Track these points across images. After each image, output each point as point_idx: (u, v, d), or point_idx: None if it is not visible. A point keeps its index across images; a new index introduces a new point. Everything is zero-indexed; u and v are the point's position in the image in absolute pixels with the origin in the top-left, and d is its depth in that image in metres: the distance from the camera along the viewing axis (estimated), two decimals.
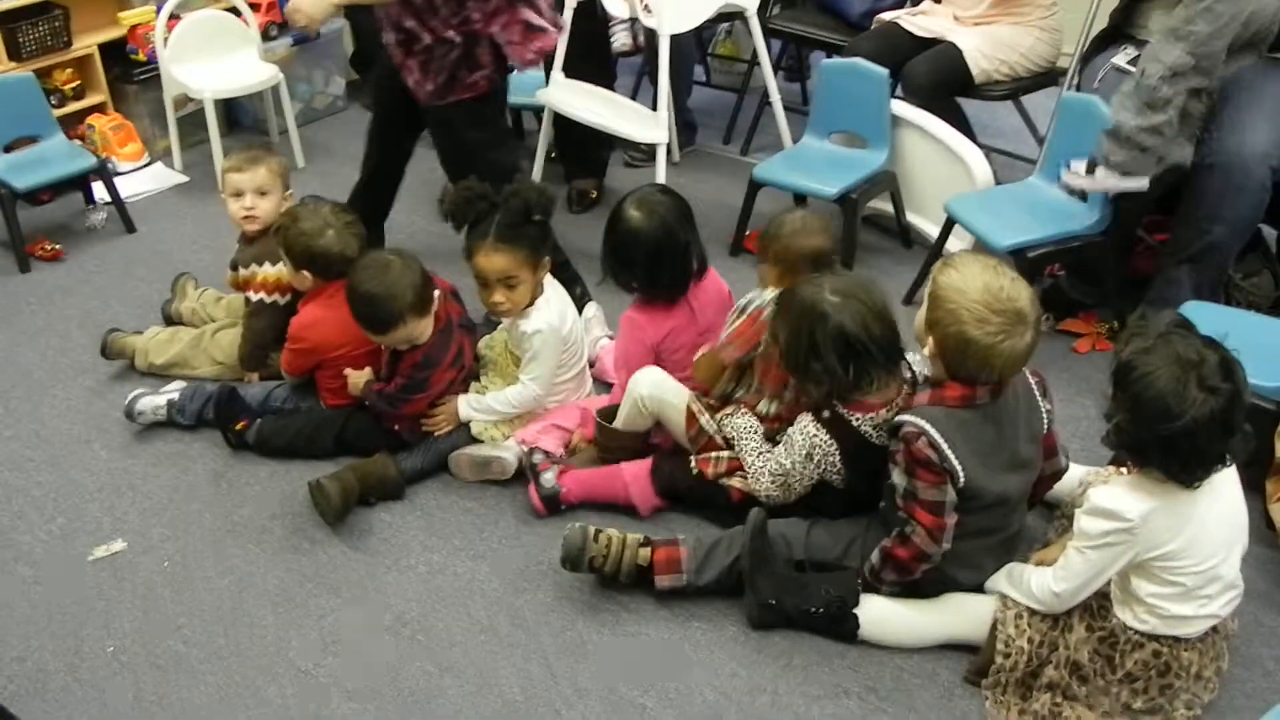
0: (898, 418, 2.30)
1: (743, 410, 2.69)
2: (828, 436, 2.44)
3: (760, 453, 2.59)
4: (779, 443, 2.57)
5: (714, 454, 2.69)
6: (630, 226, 2.77)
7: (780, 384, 2.63)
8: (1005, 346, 2.18)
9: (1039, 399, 2.40)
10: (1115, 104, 3.04)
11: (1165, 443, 2.02)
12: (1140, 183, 3.07)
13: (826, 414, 2.45)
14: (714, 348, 2.75)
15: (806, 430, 2.46)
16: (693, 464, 2.71)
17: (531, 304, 2.87)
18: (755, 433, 2.64)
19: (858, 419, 2.42)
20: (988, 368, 2.21)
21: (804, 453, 2.47)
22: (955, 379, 2.26)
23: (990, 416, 2.28)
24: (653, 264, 2.78)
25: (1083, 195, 3.25)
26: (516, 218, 2.79)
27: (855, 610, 2.39)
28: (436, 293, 2.86)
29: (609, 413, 2.86)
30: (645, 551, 2.52)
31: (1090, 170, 3.11)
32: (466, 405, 2.94)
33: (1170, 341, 2.04)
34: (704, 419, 2.70)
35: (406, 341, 2.84)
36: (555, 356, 2.90)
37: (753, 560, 2.43)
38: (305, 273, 3.00)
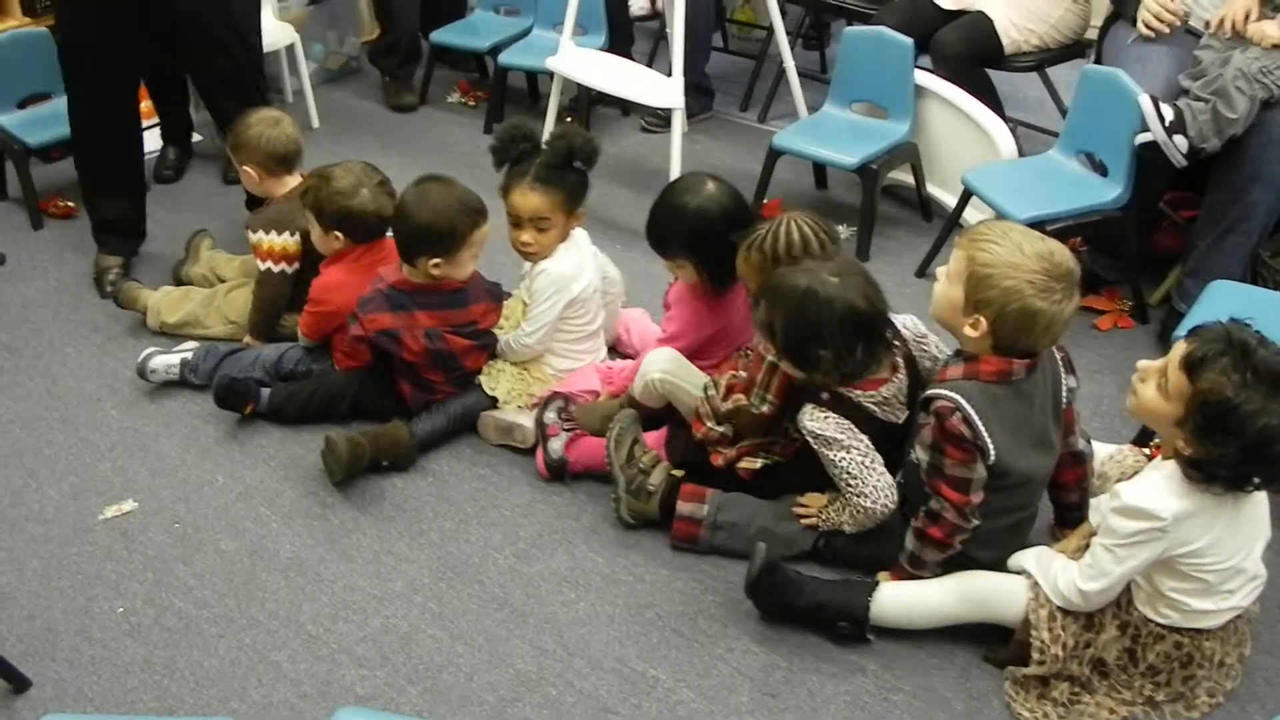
0: (929, 391, 2.26)
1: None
2: (835, 414, 2.37)
3: (831, 510, 2.48)
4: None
5: (723, 449, 2.63)
6: (715, 206, 2.69)
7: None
8: (1067, 311, 2.14)
9: (1063, 375, 2.36)
10: (1235, 99, 2.95)
11: (1273, 465, 1.97)
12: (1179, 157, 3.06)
13: (825, 395, 2.38)
14: (746, 397, 2.56)
15: (815, 417, 2.37)
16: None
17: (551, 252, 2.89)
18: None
19: (857, 395, 2.37)
20: (1049, 336, 2.17)
21: (837, 435, 2.35)
22: (1005, 353, 2.20)
23: (1023, 393, 2.24)
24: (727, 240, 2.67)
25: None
26: (558, 160, 2.81)
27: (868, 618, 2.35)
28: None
29: None
30: (679, 473, 2.59)
31: (1173, 131, 3.01)
32: None
33: (1257, 361, 1.95)
34: (710, 423, 2.62)
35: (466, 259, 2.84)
36: (557, 307, 2.87)
37: (759, 599, 2.41)
38: (337, 234, 2.97)
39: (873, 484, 2.36)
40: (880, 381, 2.38)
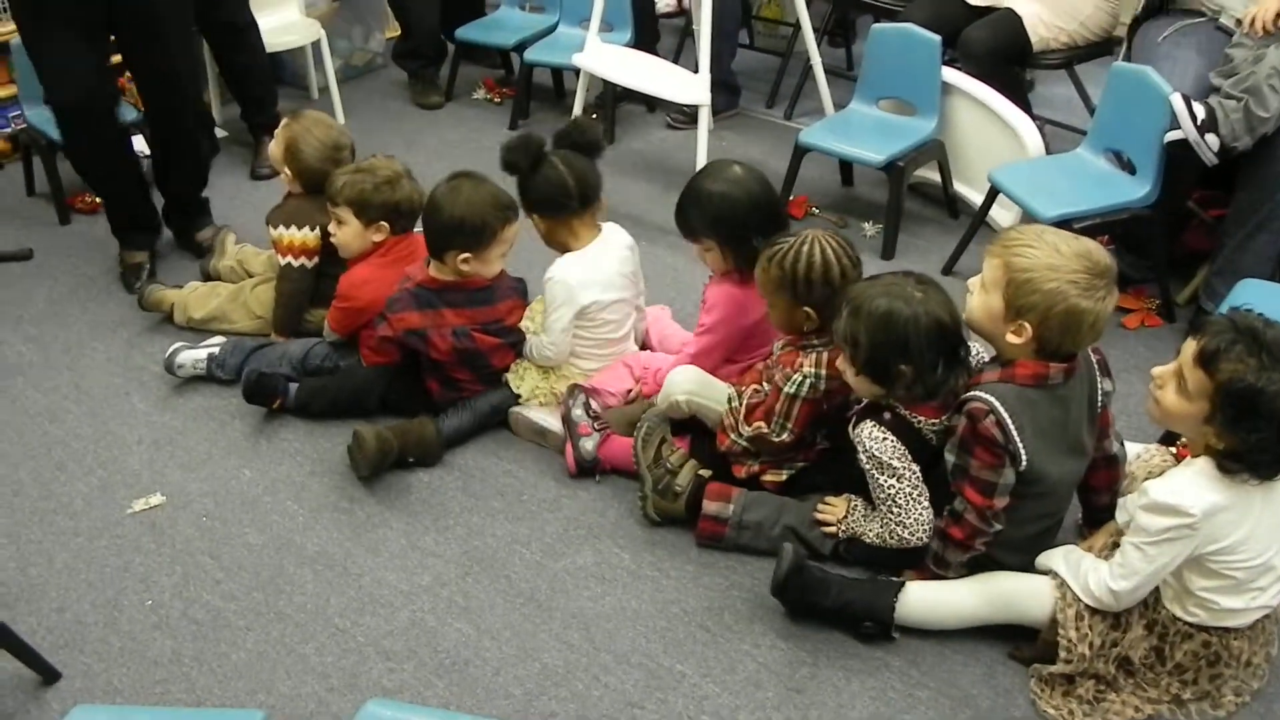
0: (965, 394, 2.23)
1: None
2: (895, 437, 2.33)
3: (875, 525, 2.43)
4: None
5: (746, 460, 2.63)
6: (737, 188, 2.69)
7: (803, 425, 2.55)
8: (1109, 308, 2.14)
9: (1099, 378, 2.34)
10: (1268, 98, 2.93)
11: None
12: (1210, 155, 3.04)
13: (888, 415, 2.34)
14: (767, 425, 2.56)
15: (875, 437, 2.33)
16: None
17: (568, 251, 2.90)
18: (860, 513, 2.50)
19: (919, 421, 2.34)
20: (1093, 334, 2.16)
21: (892, 462, 2.32)
22: (1048, 357, 2.18)
23: (1060, 398, 2.21)
24: (763, 223, 2.66)
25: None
26: (519, 175, 2.86)
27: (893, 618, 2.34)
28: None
29: None
30: (706, 472, 2.59)
31: (1204, 130, 2.99)
32: None
33: (1269, 342, 1.95)
34: (734, 435, 2.62)
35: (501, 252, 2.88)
36: (565, 318, 2.86)
37: (786, 599, 2.41)
38: (382, 223, 2.99)
39: (915, 516, 2.35)
40: (943, 412, 2.34)
